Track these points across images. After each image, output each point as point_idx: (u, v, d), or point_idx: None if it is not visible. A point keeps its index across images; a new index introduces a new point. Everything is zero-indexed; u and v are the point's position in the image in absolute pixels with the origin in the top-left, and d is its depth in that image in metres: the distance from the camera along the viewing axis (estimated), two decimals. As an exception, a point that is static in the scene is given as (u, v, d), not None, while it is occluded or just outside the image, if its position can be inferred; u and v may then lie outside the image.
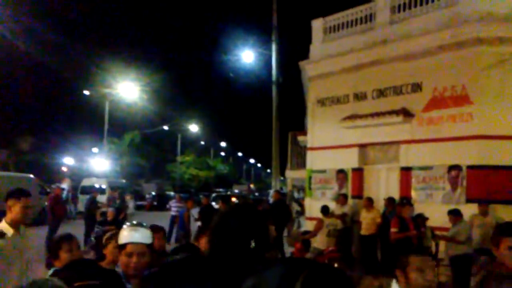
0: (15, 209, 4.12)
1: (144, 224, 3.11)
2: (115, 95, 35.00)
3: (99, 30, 78.65)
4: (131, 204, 17.68)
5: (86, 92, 38.31)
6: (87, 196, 17.91)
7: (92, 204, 16.57)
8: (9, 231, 4.06)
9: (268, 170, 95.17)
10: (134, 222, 3.13)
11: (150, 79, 38.50)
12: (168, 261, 2.04)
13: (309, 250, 10.47)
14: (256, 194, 59.58)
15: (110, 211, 14.87)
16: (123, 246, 2.87)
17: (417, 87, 11.77)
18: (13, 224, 4.12)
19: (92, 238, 14.40)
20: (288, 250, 13.01)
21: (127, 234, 2.90)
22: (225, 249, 1.88)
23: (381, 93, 12.59)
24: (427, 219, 9.76)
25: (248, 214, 1.98)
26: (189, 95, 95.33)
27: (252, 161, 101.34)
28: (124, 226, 3.02)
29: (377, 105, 12.54)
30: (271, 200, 19.50)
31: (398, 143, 12.18)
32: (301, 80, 16.77)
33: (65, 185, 32.09)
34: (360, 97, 13.12)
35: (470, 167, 10.61)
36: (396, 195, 11.82)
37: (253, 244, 1.88)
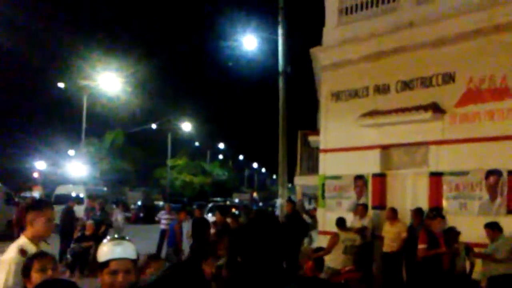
0: (37, 223, 4.17)
1: (127, 238, 3.15)
2: (94, 88, 35.06)
3: (75, 12, 78.89)
4: (119, 216, 17.67)
5: (61, 85, 38.44)
6: (62, 207, 17.93)
7: (69, 216, 16.60)
8: (31, 248, 4.10)
9: (274, 176, 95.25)
10: (116, 235, 3.18)
11: (136, 69, 38.59)
12: (151, 279, 2.02)
13: (322, 270, 10.46)
14: (260, 204, 59.58)
15: (88, 224, 14.93)
16: (105, 264, 2.90)
17: (449, 78, 11.74)
18: (35, 240, 4.18)
19: (68, 256, 14.46)
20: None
21: (109, 250, 2.94)
22: (254, 272, 1.79)
23: (406, 85, 12.56)
24: (460, 233, 9.73)
25: (279, 229, 1.90)
26: (182, 88, 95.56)
27: (255, 165, 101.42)
28: (104, 241, 3.06)
29: (402, 100, 12.50)
30: (277, 211, 19.47)
31: (427, 144, 12.15)
32: (312, 71, 16.75)
33: (36, 193, 32.17)
34: (382, 90, 13.10)
35: (511, 173, 10.58)
36: (424, 205, 11.79)
37: (284, 265, 1.82)
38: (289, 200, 15.93)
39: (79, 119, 35.78)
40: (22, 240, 4.16)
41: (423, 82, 12.22)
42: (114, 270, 2.88)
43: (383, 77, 13.06)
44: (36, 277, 3.61)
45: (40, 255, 3.80)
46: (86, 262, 13.95)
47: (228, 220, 13.94)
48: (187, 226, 15.08)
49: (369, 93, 13.38)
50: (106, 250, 2.94)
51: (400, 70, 12.71)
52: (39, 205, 4.35)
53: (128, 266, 2.92)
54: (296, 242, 12.93)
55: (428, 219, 9.67)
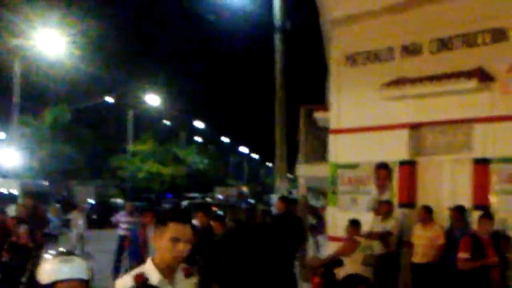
0: (159, 245, 3.89)
1: (76, 252, 3.16)
2: (29, 50, 34.78)
3: None
4: (80, 221, 17.59)
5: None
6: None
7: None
8: (155, 276, 3.82)
9: (270, 164, 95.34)
10: (62, 249, 3.18)
11: (85, 25, 38.25)
12: None
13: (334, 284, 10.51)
14: (251, 201, 59.68)
15: (21, 230, 14.86)
16: (49, 286, 2.91)
17: (499, 36, 11.76)
18: (164, 267, 3.88)
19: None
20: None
21: (54, 269, 2.95)
22: None
23: (444, 44, 12.57)
24: (514, 239, 9.83)
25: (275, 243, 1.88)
26: (146, 50, 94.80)
27: (244, 150, 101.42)
28: (47, 256, 3.06)
29: (438, 64, 12.52)
30: (274, 210, 19.52)
31: (470, 121, 12.18)
32: (319, 27, 16.72)
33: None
34: (411, 51, 13.10)
35: None
36: (467, 202, 11.87)
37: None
38: (282, 198, 15.85)
39: (9, 91, 35.52)
40: (147, 266, 3.90)
41: (466, 40, 12.22)
42: None
43: (413, 34, 13.06)
44: None
45: None
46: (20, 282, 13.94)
47: (212, 223, 13.82)
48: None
49: (394, 56, 13.39)
50: (51, 269, 2.95)
51: (435, 24, 12.71)
52: (162, 217, 4.02)
53: None
54: (289, 256, 12.89)
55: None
